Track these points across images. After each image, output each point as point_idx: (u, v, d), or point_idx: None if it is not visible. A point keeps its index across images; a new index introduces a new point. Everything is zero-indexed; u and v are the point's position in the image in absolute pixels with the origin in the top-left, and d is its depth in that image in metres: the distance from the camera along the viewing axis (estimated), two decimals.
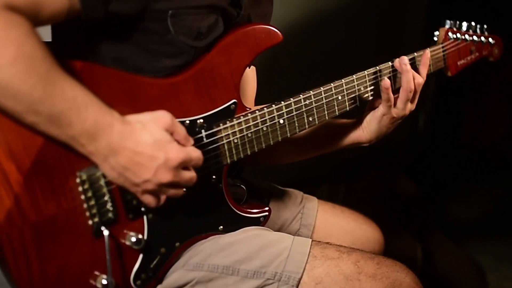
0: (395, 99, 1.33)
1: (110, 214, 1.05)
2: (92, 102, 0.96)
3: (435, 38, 1.55)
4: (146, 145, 0.98)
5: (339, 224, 1.54)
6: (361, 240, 1.52)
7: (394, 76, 1.38)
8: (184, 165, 1.03)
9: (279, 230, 1.48)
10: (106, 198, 1.05)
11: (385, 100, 1.32)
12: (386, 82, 1.30)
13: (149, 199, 1.04)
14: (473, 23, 1.61)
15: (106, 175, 1.02)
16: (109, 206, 1.05)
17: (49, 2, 0.95)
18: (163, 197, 1.05)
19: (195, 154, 1.06)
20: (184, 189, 1.06)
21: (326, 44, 2.79)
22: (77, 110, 0.93)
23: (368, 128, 1.39)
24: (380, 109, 1.34)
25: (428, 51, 1.41)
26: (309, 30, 2.65)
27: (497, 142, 3.35)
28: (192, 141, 1.07)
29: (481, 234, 2.72)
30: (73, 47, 1.12)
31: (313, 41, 2.68)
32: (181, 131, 1.05)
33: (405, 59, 1.34)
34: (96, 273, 1.05)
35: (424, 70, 1.37)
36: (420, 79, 1.34)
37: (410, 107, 1.35)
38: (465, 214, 2.92)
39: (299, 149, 1.47)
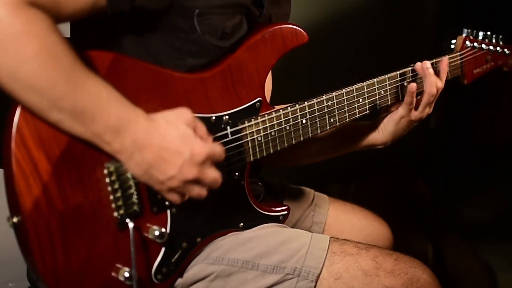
0: (416, 102, 1.35)
1: (135, 207, 1.05)
2: (116, 98, 0.96)
3: (452, 46, 1.57)
4: (172, 140, 0.99)
5: (351, 221, 1.56)
6: (371, 237, 1.54)
7: (414, 81, 1.40)
8: (208, 160, 1.03)
9: (292, 227, 1.48)
10: (132, 190, 1.04)
11: (407, 103, 1.35)
12: (412, 85, 1.33)
13: (174, 197, 1.04)
14: (489, 33, 1.63)
15: (132, 172, 1.02)
16: (134, 198, 1.05)
17: None
18: (187, 196, 1.05)
19: (218, 148, 1.05)
20: (207, 190, 1.05)
21: (342, 46, 2.81)
22: (100, 105, 0.93)
23: (384, 130, 1.41)
24: (400, 111, 1.37)
25: (446, 58, 1.43)
26: (324, 31, 2.66)
27: (508, 142, 3.32)
28: (211, 138, 1.08)
29: (492, 234, 2.71)
30: (94, 43, 1.10)
31: (328, 42, 2.69)
32: (202, 127, 1.05)
33: (428, 63, 1.37)
34: (118, 265, 1.05)
35: (444, 76, 1.39)
36: (440, 84, 1.37)
37: (428, 110, 1.38)
38: (476, 214, 2.89)
39: (316, 151, 1.49)
